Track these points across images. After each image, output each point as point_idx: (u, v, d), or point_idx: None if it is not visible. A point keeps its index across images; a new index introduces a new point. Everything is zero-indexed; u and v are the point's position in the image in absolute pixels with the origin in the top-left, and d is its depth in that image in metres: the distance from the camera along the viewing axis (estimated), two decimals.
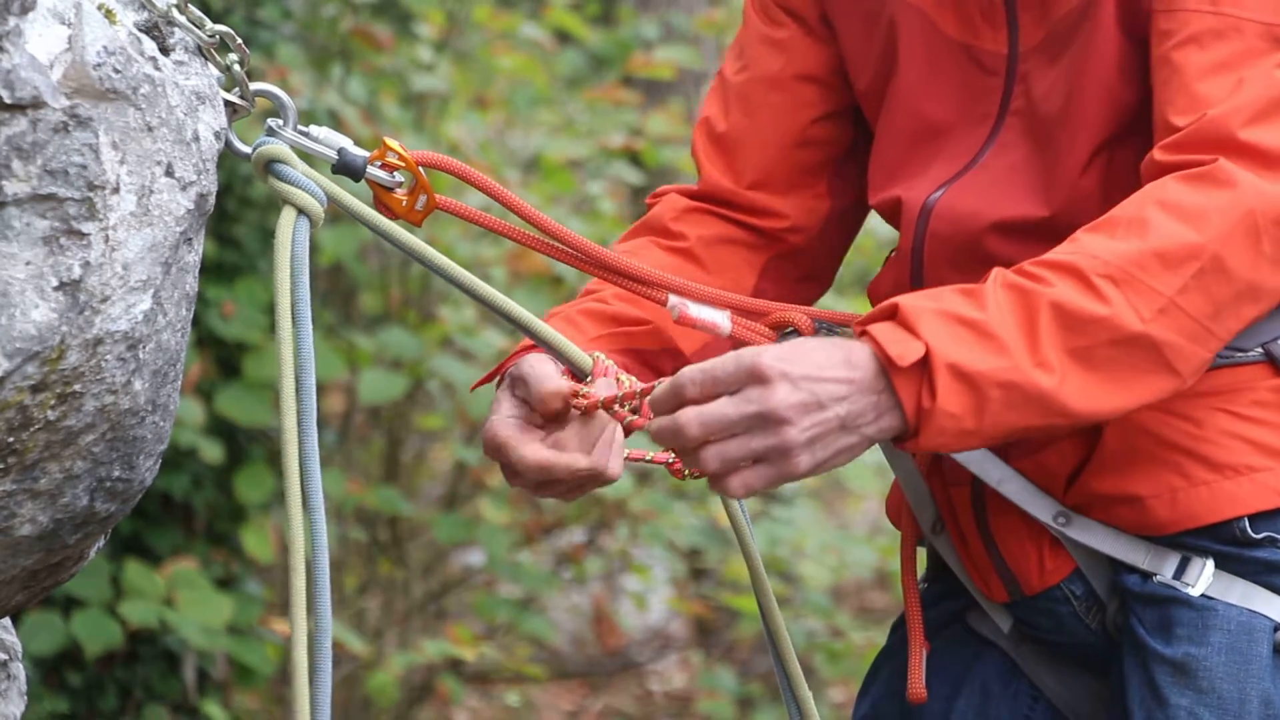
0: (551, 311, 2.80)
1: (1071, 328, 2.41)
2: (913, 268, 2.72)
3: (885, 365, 2.38)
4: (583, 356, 2.63)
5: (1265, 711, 2.62)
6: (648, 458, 2.65)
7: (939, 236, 2.69)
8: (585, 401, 2.59)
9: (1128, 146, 2.64)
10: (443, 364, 6.65)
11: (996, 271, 2.46)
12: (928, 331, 2.38)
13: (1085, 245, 2.46)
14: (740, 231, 2.89)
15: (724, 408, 2.37)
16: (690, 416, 2.38)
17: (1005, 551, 2.74)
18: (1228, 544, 2.64)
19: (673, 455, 2.61)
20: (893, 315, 2.41)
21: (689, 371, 2.40)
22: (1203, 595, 2.64)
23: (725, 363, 2.39)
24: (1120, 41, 2.62)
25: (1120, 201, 2.51)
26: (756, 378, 2.36)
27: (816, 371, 2.38)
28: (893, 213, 2.78)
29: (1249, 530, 2.63)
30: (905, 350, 2.38)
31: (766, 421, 2.36)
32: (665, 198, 2.93)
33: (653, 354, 2.79)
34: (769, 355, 2.38)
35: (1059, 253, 2.46)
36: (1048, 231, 2.61)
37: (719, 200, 2.89)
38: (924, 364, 2.38)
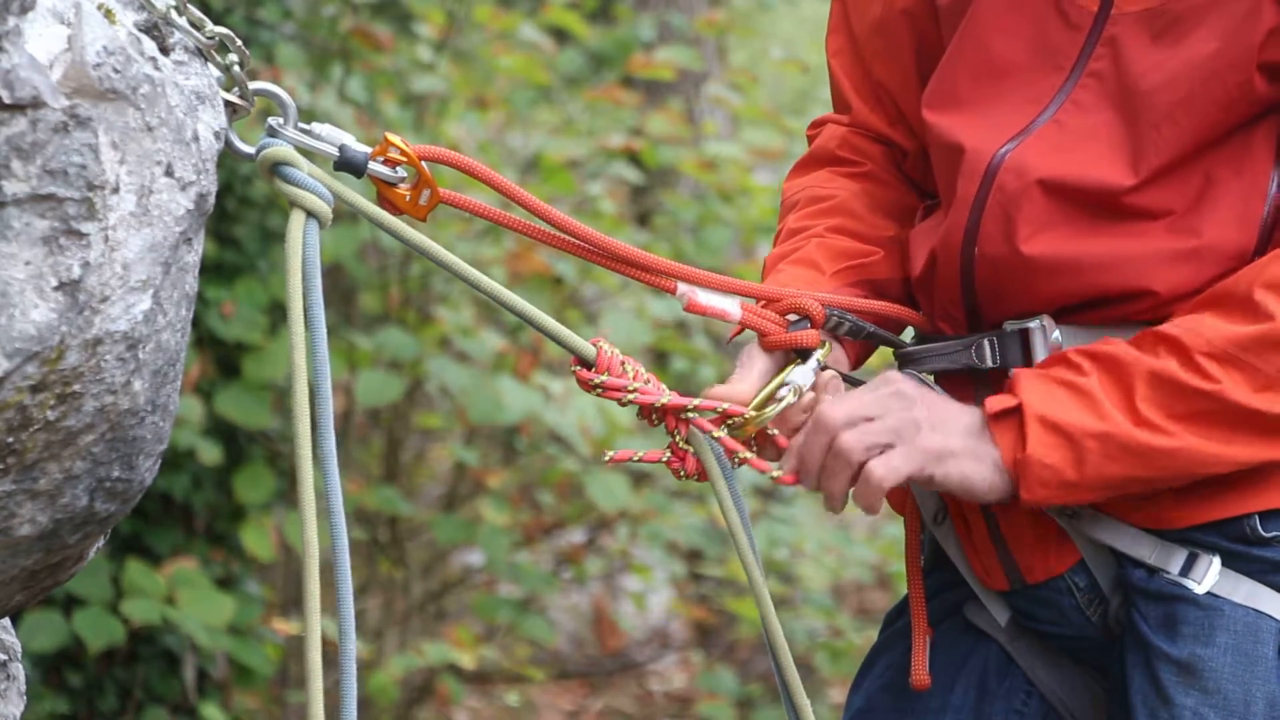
0: (777, 254, 2.85)
1: (1174, 395, 2.54)
2: (970, 217, 2.69)
3: (985, 418, 2.57)
4: (585, 347, 2.63)
5: (1270, 713, 2.61)
6: (635, 458, 2.66)
7: (1006, 190, 2.66)
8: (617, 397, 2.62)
9: (1252, 133, 2.63)
10: (440, 365, 6.65)
11: (1101, 342, 2.59)
12: (1024, 389, 2.57)
13: (1195, 324, 2.55)
14: (893, 151, 2.96)
15: (860, 395, 2.60)
16: (829, 405, 2.59)
17: (1010, 539, 2.74)
18: (1236, 541, 2.63)
19: (668, 454, 2.63)
20: (1010, 388, 2.60)
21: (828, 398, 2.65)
22: (1208, 593, 2.63)
23: (865, 385, 2.65)
24: (1273, 25, 2.59)
25: (1219, 188, 2.60)
26: (888, 379, 2.61)
27: (942, 394, 2.66)
28: (950, 154, 2.75)
29: (1259, 528, 2.63)
30: (998, 402, 2.57)
31: (900, 398, 2.58)
32: (825, 128, 3.01)
33: (886, 283, 2.85)
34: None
35: (1169, 327, 2.57)
36: (1117, 204, 2.62)
37: (869, 127, 2.96)
38: (1017, 416, 2.56)
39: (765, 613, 2.69)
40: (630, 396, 2.61)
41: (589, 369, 2.62)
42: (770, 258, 2.85)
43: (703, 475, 2.66)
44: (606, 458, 2.66)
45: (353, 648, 2.43)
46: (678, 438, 2.63)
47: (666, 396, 2.63)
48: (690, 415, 2.63)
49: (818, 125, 3.02)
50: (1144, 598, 2.67)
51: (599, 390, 2.62)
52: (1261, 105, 2.60)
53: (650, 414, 2.64)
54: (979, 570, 2.79)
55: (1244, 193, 2.62)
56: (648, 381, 2.63)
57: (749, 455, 2.64)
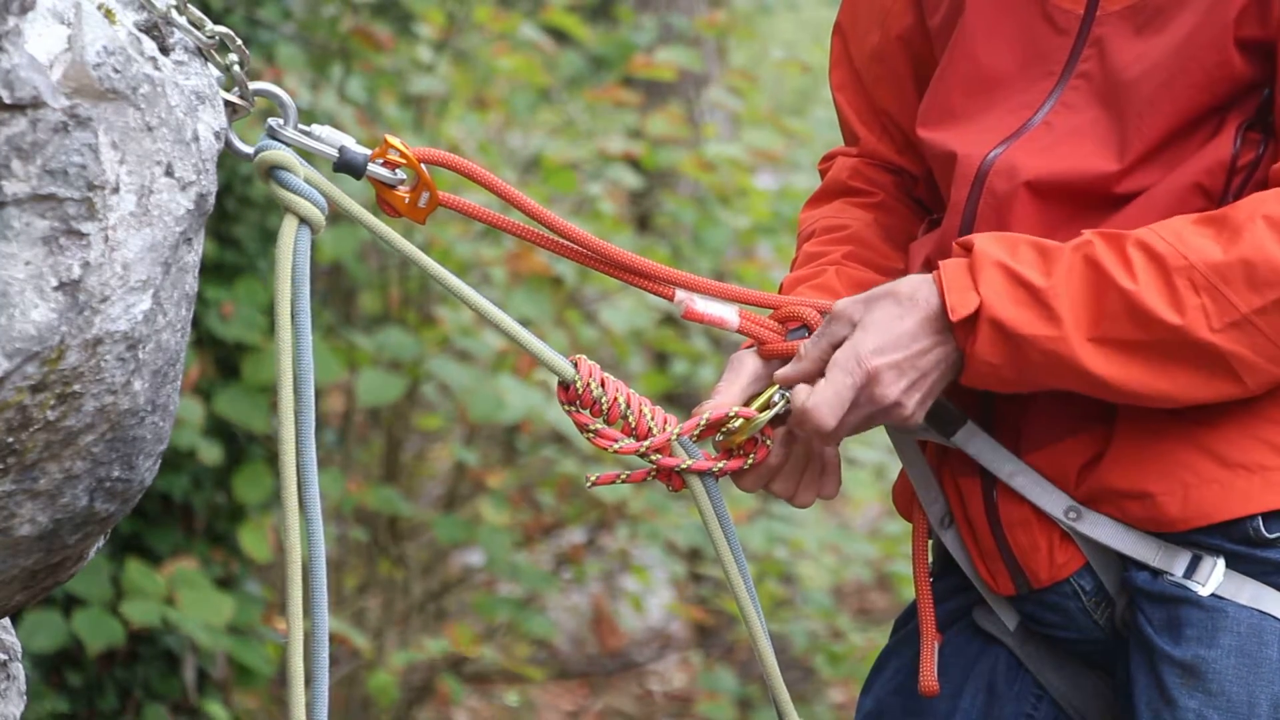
0: (795, 277, 2.85)
1: (1137, 321, 2.51)
2: (963, 222, 2.70)
3: (942, 309, 2.55)
4: (565, 366, 2.62)
5: (1275, 715, 2.61)
6: (620, 479, 2.66)
7: (996, 193, 2.67)
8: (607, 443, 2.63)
9: (1229, 115, 2.63)
10: (440, 365, 6.65)
11: (1083, 237, 2.55)
12: (985, 286, 2.54)
13: (1184, 237, 2.52)
14: (903, 178, 2.97)
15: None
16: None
17: (1014, 544, 2.73)
18: (1240, 543, 2.63)
19: (653, 473, 2.65)
20: (967, 252, 2.56)
21: None
22: (1212, 595, 2.63)
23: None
24: (1246, 8, 2.59)
25: (1199, 171, 2.59)
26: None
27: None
28: (944, 164, 2.76)
29: (1262, 530, 2.62)
30: (960, 302, 2.54)
31: (838, 320, 2.61)
32: (835, 160, 3.02)
33: None
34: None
35: (1155, 236, 2.53)
36: (1107, 193, 2.63)
37: (878, 156, 2.97)
38: (974, 315, 2.54)
39: (765, 659, 2.71)
40: (588, 436, 2.62)
41: (569, 389, 2.63)
42: (788, 280, 2.85)
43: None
44: (589, 483, 2.67)
45: (325, 652, 2.51)
46: (657, 459, 2.65)
47: (622, 442, 2.62)
48: (668, 450, 2.64)
49: (829, 159, 3.04)
50: (1148, 600, 2.67)
51: (570, 416, 2.63)
52: (1241, 85, 2.62)
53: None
54: (986, 575, 2.79)
55: (1215, 147, 2.63)
56: (626, 405, 2.63)
57: (722, 466, 2.65)
